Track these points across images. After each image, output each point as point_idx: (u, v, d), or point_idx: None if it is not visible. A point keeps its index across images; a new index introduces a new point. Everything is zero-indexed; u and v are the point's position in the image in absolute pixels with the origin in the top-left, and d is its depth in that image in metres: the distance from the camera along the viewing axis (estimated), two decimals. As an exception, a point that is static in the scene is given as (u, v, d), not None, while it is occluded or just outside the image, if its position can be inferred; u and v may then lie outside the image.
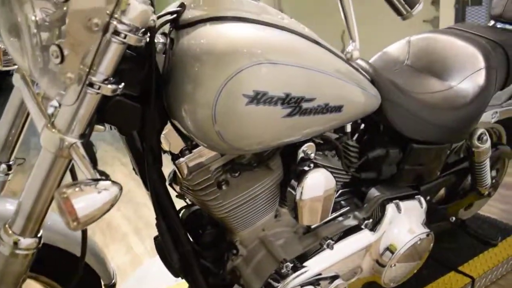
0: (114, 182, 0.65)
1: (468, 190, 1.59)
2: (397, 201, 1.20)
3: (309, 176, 0.94)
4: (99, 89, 0.64)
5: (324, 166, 0.99)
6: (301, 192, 0.94)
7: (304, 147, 0.95)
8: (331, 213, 1.10)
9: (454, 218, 1.50)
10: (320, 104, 0.85)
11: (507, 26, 1.54)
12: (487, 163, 1.42)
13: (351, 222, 1.15)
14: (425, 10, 3.69)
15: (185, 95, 0.75)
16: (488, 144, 1.36)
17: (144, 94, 0.77)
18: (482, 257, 1.68)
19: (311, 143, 0.96)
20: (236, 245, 1.04)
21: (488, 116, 1.44)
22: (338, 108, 0.89)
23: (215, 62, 0.73)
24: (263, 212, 1.01)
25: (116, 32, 0.61)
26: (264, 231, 1.05)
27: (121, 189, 0.65)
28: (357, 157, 1.13)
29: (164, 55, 0.78)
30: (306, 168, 0.95)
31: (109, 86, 0.64)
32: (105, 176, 0.65)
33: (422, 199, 1.27)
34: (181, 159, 0.88)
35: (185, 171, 0.90)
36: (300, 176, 0.94)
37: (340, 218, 1.16)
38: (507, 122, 1.59)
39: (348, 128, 1.06)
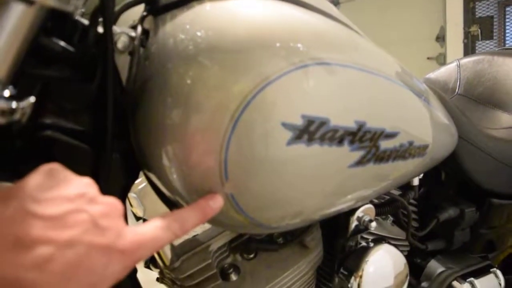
0: None
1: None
2: (471, 279, 0.85)
3: (371, 259, 0.58)
4: None
5: (384, 239, 0.64)
6: (359, 286, 0.58)
7: (360, 212, 0.60)
8: None
9: None
10: (403, 143, 0.49)
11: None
12: None
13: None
14: (429, 47, 3.49)
15: (169, 128, 0.39)
16: None
17: (97, 128, 0.43)
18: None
19: (370, 205, 0.61)
20: None
21: None
22: (422, 150, 0.54)
23: (227, 64, 0.38)
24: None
25: None
26: None
27: None
28: (420, 221, 0.78)
29: (131, 57, 0.43)
30: (364, 244, 0.60)
31: None
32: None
33: (498, 272, 0.92)
34: None
35: (169, 256, 0.55)
36: (357, 258, 0.59)
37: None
38: None
39: (416, 181, 0.71)
